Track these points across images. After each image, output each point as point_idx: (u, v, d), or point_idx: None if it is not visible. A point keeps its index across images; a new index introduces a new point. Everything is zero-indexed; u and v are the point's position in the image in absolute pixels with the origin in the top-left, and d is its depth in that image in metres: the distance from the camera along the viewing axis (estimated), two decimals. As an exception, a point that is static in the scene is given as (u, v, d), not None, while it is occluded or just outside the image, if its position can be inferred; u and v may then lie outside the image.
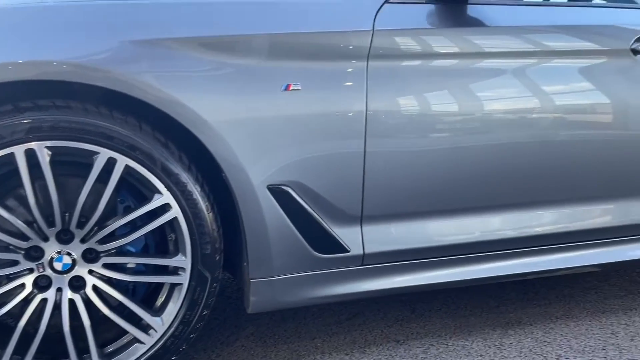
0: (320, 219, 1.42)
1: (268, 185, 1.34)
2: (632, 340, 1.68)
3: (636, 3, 2.01)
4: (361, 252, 1.48)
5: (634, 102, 1.68)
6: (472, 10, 1.54)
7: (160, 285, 1.36)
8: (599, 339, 1.68)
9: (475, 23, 1.53)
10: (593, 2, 2.02)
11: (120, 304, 1.30)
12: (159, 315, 1.33)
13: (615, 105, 1.67)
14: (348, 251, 1.46)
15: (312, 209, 1.40)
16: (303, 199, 1.38)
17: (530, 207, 1.65)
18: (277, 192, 1.35)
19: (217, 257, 1.35)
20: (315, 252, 1.43)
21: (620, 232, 1.79)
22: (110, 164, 1.22)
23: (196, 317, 1.35)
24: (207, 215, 1.31)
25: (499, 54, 1.54)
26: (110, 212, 1.29)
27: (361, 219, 1.47)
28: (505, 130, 1.54)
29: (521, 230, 1.66)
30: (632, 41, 1.66)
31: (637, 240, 1.83)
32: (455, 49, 1.50)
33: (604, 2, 2.02)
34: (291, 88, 1.33)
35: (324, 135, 1.37)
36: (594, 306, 1.93)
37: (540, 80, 1.56)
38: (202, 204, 1.30)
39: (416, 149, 1.47)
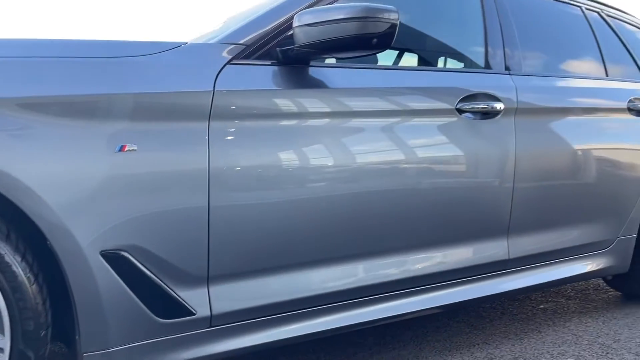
0: (162, 283, 1.36)
1: (101, 251, 1.26)
2: (472, 376, 1.81)
3: (465, 67, 2.26)
4: (208, 313, 1.44)
5: (461, 156, 1.86)
6: (315, 72, 1.62)
7: (-26, 370, 1.21)
8: (444, 378, 1.79)
9: (317, 84, 1.61)
10: (423, 66, 2.24)
11: None
12: (-30, 406, 1.17)
13: (447, 159, 1.84)
14: (194, 314, 1.42)
15: (153, 273, 1.34)
16: (142, 264, 1.33)
17: (377, 255, 1.74)
18: (112, 257, 1.28)
19: (43, 333, 1.24)
20: (158, 318, 1.37)
21: (466, 272, 1.94)
22: None
23: (17, 402, 1.21)
24: (30, 288, 1.20)
25: (338, 114, 1.63)
26: None
27: (208, 279, 1.44)
28: (343, 184, 1.61)
29: (373, 278, 1.73)
30: (457, 101, 1.85)
31: (482, 279, 2.00)
32: (297, 109, 1.56)
33: (433, 66, 2.24)
34: (126, 149, 1.29)
35: (164, 197, 1.34)
36: (442, 345, 2.05)
37: (376, 138, 1.67)
38: (23, 276, 1.19)
39: (262, 205, 1.49)
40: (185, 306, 1.40)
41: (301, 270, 1.60)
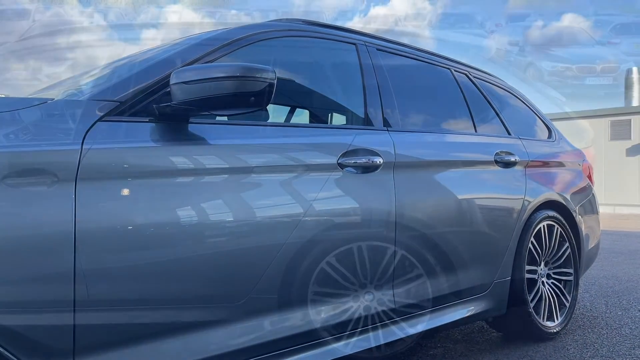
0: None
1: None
2: None
3: (347, 124, 2.37)
4: (74, 391, 1.31)
5: (346, 209, 1.91)
6: (195, 129, 1.61)
7: None
8: None
9: (195, 141, 1.60)
10: (307, 123, 2.32)
11: None
12: None
13: (333, 213, 1.88)
14: (57, 393, 1.29)
15: (5, 349, 1.21)
16: (-8, 340, 1.19)
17: (277, 309, 1.71)
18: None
19: None
20: (12, 401, 1.22)
21: (358, 323, 1.95)
22: None
23: None
24: None
25: (216, 170, 1.61)
26: None
27: (74, 351, 1.32)
28: (224, 240, 1.58)
29: (276, 332, 1.69)
30: (339, 157, 1.92)
31: (373, 330, 2.02)
32: (174, 166, 1.52)
33: (317, 123, 2.33)
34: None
35: (18, 263, 1.23)
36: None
37: (259, 194, 1.68)
38: None
39: (138, 266, 1.42)
40: (46, 385, 1.27)
41: (194, 330, 1.53)
